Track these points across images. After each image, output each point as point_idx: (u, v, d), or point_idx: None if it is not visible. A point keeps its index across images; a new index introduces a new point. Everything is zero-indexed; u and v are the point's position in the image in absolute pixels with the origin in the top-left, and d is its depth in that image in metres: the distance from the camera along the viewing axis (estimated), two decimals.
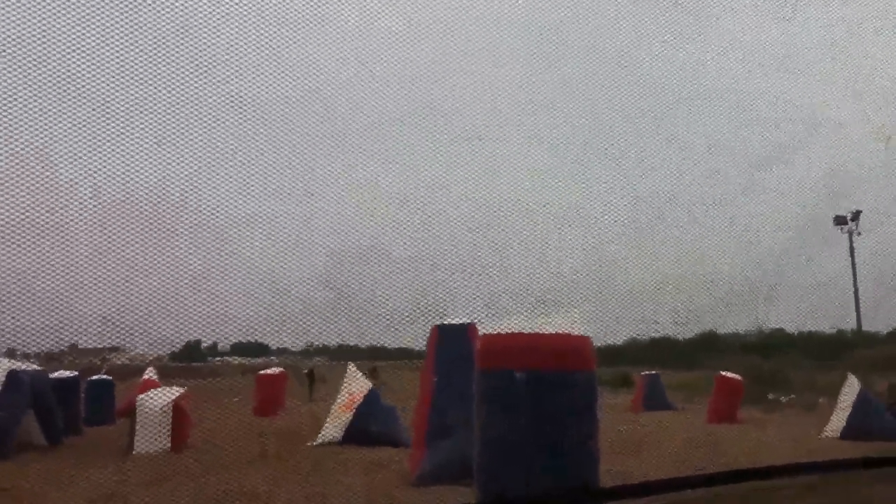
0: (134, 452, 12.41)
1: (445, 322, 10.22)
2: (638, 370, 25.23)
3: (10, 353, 14.76)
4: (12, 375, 12.48)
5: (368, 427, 13.31)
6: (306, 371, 27.26)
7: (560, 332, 6.22)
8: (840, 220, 30.24)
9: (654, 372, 23.20)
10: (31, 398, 12.99)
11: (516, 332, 6.31)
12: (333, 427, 13.69)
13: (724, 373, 19.13)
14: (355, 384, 14.04)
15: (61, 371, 16.10)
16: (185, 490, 8.80)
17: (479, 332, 8.20)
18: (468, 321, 10.03)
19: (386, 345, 26.04)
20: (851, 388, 15.26)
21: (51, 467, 10.72)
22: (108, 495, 8.56)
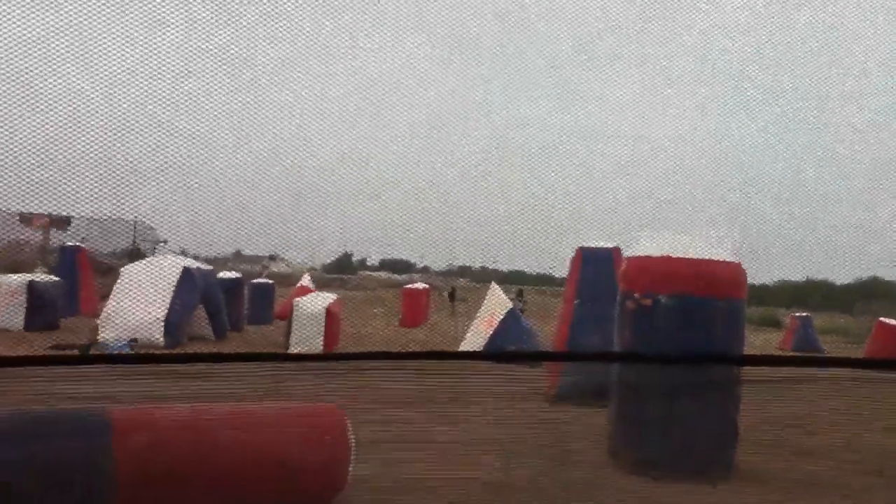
0: (289, 350, 13.40)
1: (589, 245, 10.19)
2: (788, 312, 24.12)
3: (182, 254, 16.17)
4: (186, 273, 13.69)
5: (506, 344, 13.63)
6: (448, 291, 27.99)
7: (711, 257, 6.08)
8: None
9: (806, 314, 22.10)
10: (202, 295, 14.24)
11: (663, 255, 6.22)
12: (473, 342, 14.11)
13: (885, 319, 17.91)
14: (496, 302, 14.32)
15: (227, 272, 17.48)
16: (332, 385, 9.44)
17: (624, 256, 8.14)
18: (613, 244, 9.96)
19: (525, 270, 26.35)
20: None
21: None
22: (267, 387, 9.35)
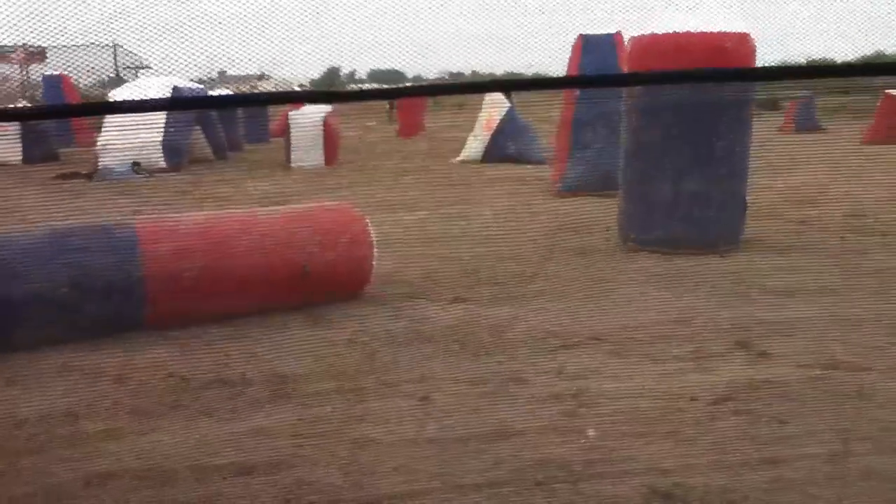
0: (292, 165, 13.41)
1: (589, 33, 9.82)
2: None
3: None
4: (177, 92, 13.33)
5: (506, 145, 13.60)
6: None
7: (717, 30, 5.88)
8: None
9: (807, 92, 21.69)
10: (196, 115, 13.98)
11: (669, 31, 6.01)
12: (473, 146, 14.07)
13: (892, 91, 17.46)
14: (494, 104, 14.12)
15: (219, 91, 17.04)
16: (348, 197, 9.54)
17: (626, 39, 7.87)
18: (614, 31, 9.60)
19: (521, 72, 25.66)
20: None
21: (225, 177, 11.84)
22: (276, 200, 9.45)
